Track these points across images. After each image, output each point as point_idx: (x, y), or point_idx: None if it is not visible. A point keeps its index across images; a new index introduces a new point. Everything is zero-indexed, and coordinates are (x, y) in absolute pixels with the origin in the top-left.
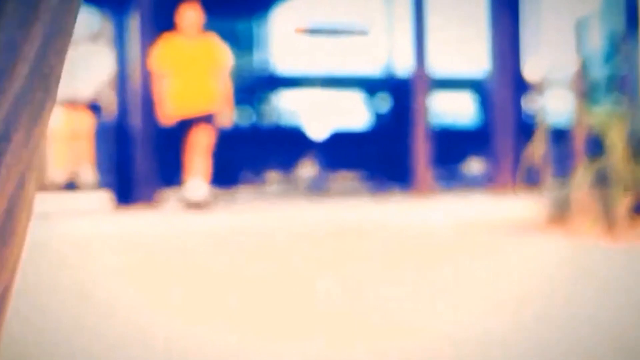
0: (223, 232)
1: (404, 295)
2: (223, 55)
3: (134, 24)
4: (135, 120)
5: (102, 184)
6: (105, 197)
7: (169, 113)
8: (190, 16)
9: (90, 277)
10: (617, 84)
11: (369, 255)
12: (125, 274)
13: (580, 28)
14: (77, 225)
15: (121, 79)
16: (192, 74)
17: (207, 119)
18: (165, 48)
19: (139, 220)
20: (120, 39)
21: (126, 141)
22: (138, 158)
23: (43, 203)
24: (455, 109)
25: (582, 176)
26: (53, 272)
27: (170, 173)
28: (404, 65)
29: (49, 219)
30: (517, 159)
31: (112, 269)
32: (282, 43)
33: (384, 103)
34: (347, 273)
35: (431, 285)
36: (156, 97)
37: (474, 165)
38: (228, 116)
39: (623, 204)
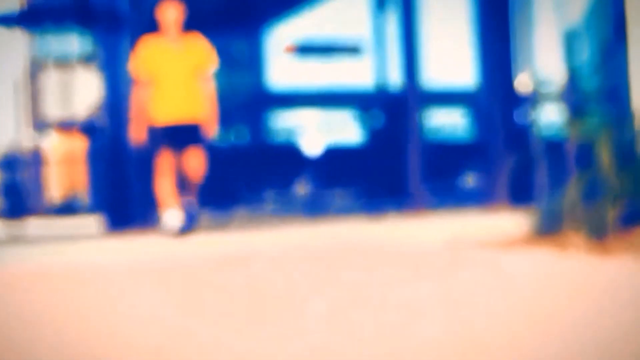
0: (221, 256)
1: (392, 314)
2: (207, 56)
3: (125, 46)
4: (129, 143)
5: (96, 208)
6: (98, 222)
7: (148, 123)
8: (170, 15)
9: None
10: (606, 95)
11: (361, 272)
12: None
13: (569, 39)
14: (65, 252)
15: (113, 101)
16: (174, 78)
17: (194, 134)
18: (145, 52)
19: (128, 246)
20: (112, 61)
21: (120, 164)
22: (132, 181)
23: (34, 228)
24: (449, 123)
25: (572, 189)
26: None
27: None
28: (396, 81)
29: (36, 246)
30: (510, 173)
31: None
32: (276, 61)
33: (378, 119)
34: (337, 291)
35: (422, 299)
36: (134, 107)
37: (469, 179)
38: (213, 125)
39: (612, 216)
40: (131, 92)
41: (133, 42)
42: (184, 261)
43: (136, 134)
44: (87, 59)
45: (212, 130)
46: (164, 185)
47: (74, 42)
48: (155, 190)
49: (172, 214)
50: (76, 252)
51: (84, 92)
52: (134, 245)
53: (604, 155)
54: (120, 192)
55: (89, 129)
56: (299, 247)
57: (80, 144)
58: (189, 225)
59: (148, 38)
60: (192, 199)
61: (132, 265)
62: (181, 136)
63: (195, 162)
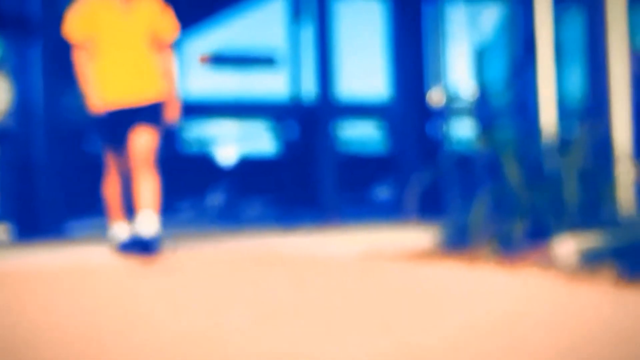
0: (133, 267)
1: (305, 323)
2: (165, 22)
3: (36, 51)
4: (40, 148)
5: (3, 217)
6: (4, 231)
7: (97, 100)
8: None
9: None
10: (516, 110)
11: (274, 283)
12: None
13: (480, 55)
14: None
15: (23, 107)
16: (123, 44)
17: (150, 113)
18: (86, 8)
19: (31, 255)
20: (22, 66)
21: (29, 172)
22: (42, 189)
23: None
24: (364, 136)
25: (480, 203)
26: None
27: (80, 202)
28: (311, 92)
29: None
30: (421, 186)
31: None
32: (191, 71)
33: (293, 130)
34: (249, 302)
35: (333, 311)
36: (80, 77)
37: (382, 193)
38: (175, 106)
39: (519, 230)
40: (72, 59)
41: (44, 46)
42: (84, 271)
43: (93, 105)
44: None
45: (173, 112)
46: (110, 192)
47: None
48: (104, 196)
49: (118, 228)
50: None
51: None
52: (38, 255)
53: (512, 170)
54: (29, 200)
55: None
56: (212, 258)
57: None
58: (158, 237)
59: None
60: (154, 201)
61: (34, 272)
62: (130, 121)
63: (144, 143)
